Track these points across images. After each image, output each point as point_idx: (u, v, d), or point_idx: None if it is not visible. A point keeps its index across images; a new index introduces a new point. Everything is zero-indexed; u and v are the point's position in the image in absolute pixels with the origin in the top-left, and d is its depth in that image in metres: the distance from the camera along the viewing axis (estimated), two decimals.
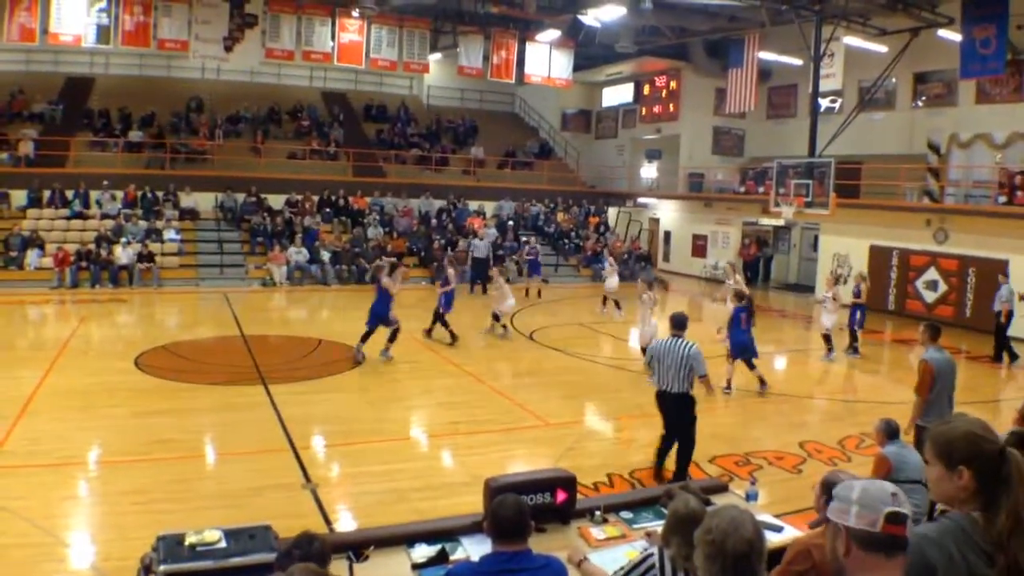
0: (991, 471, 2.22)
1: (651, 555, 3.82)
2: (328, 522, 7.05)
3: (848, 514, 2.12)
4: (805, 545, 3.79)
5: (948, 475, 2.26)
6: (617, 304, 19.21)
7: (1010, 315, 15.65)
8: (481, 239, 24.60)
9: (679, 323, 8.31)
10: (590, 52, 27.87)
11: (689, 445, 8.21)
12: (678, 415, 8.15)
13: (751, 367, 12.21)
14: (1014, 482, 2.18)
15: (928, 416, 7.53)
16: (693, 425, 8.19)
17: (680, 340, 8.08)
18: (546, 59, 26.82)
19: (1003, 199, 18.81)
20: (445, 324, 15.27)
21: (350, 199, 26.93)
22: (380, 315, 13.42)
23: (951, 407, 7.60)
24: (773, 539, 4.60)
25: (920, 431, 7.48)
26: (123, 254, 21.30)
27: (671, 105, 30.00)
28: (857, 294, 15.55)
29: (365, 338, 13.49)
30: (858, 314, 15.55)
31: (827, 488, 4.25)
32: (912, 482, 5.82)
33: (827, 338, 15.18)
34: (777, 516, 5.66)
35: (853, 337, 15.66)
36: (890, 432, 6.45)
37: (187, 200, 24.92)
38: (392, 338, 13.63)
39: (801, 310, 22.27)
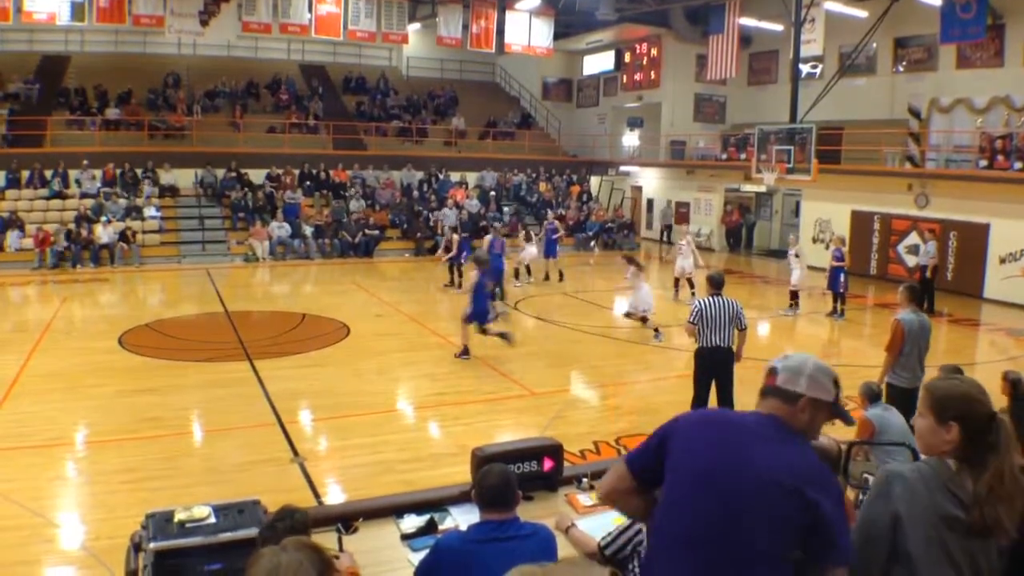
0: (978, 431, 2.36)
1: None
2: (317, 495, 7.08)
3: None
4: None
5: (937, 428, 2.42)
6: (528, 271, 19.79)
7: (935, 270, 17.29)
8: (451, 209, 24.65)
9: (719, 282, 8.62)
10: (570, 20, 27.70)
11: (732, 402, 8.46)
12: (726, 369, 8.41)
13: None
14: (1002, 446, 2.33)
15: (897, 375, 7.65)
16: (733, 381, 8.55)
17: (724, 297, 8.41)
18: (526, 28, 26.64)
19: (984, 163, 18.88)
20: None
21: (331, 172, 26.73)
22: None
23: (922, 368, 7.71)
24: None
25: (889, 388, 7.59)
26: (103, 233, 21.12)
27: (652, 73, 29.86)
28: (839, 258, 15.64)
29: None
30: (841, 277, 15.68)
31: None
32: (896, 444, 5.90)
33: (792, 294, 16.11)
34: None
35: (840, 300, 15.82)
36: (871, 395, 6.53)
37: (167, 177, 24.65)
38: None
39: (783, 276, 22.30)
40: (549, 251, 20.02)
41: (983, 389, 2.44)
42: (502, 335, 12.12)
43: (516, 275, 19.50)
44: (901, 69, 23.24)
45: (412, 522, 4.42)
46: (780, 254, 25.83)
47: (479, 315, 11.91)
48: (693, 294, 16.57)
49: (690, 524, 2.44)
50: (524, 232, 20.70)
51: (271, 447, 8.24)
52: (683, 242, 17.51)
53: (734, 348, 8.45)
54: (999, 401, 4.08)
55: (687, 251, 17.35)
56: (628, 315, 14.53)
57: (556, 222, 21.26)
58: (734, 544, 2.35)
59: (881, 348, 8.18)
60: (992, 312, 17.40)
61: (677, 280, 17.69)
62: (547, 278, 19.99)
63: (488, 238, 15.62)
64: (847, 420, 2.62)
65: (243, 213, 23.81)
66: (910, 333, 7.59)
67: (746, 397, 10.02)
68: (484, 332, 12.06)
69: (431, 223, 24.71)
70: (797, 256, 16.09)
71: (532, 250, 19.59)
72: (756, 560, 2.34)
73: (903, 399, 7.29)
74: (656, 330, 13.75)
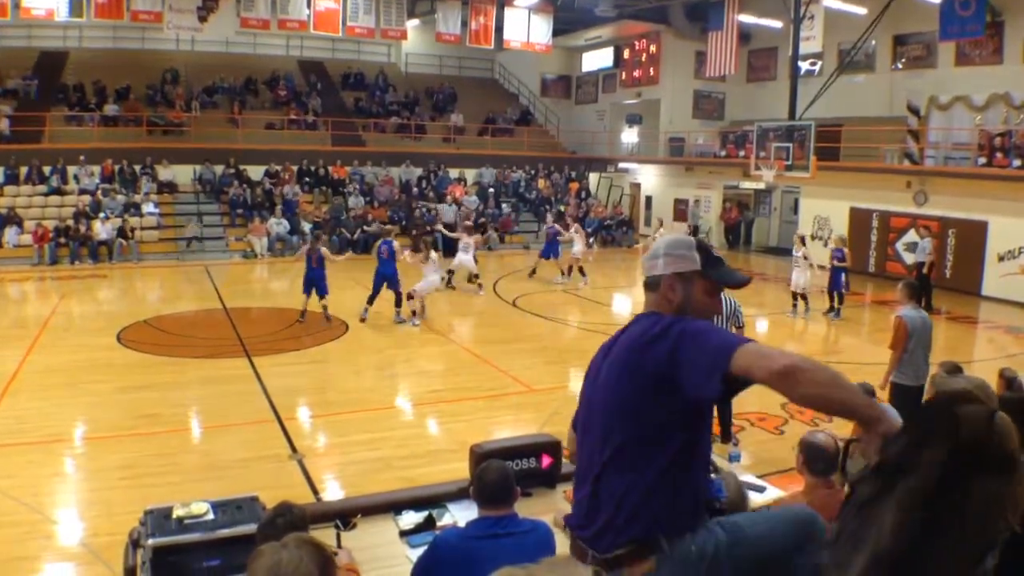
0: None
1: None
2: (315, 492, 7.09)
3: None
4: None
5: None
6: (581, 271, 19.22)
7: (931, 267, 17.05)
8: (451, 205, 24.61)
9: None
10: (569, 16, 27.65)
11: (731, 402, 8.33)
12: None
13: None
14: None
15: (902, 372, 7.62)
16: None
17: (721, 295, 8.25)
18: (525, 24, 26.61)
19: (982, 161, 18.88)
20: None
21: (330, 169, 26.71)
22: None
23: (927, 365, 7.67)
24: (756, 499, 4.66)
25: (893, 387, 7.57)
26: (102, 229, 21.10)
27: (651, 69, 29.80)
28: (840, 258, 15.56)
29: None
30: (843, 277, 15.62)
31: (805, 448, 4.30)
32: None
33: (794, 295, 15.82)
34: (760, 476, 5.73)
35: (838, 300, 15.76)
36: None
37: (165, 173, 24.62)
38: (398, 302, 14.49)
39: (782, 273, 22.29)
40: (552, 250, 19.69)
41: (986, 387, 2.45)
42: (302, 313, 14.25)
43: (581, 273, 19.12)
44: (900, 66, 23.22)
45: (410, 519, 4.43)
46: (779, 251, 25.83)
47: (306, 284, 14.14)
48: None
49: (580, 445, 2.56)
50: (576, 224, 19.65)
51: (269, 444, 8.24)
52: (798, 253, 16.40)
53: None
54: None
55: (803, 264, 16.39)
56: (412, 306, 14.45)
57: (557, 225, 20.99)
58: (597, 452, 2.40)
59: (881, 345, 8.18)
60: (990, 309, 17.41)
61: (794, 293, 16.62)
62: (534, 272, 19.76)
63: (378, 243, 15.08)
64: (728, 282, 2.52)
65: (242, 209, 23.80)
66: (913, 329, 7.56)
67: (747, 396, 10.07)
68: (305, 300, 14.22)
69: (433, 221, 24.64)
70: (806, 258, 15.64)
71: (581, 246, 19.14)
72: (615, 457, 2.34)
73: (907, 397, 7.27)
74: (412, 313, 14.34)
